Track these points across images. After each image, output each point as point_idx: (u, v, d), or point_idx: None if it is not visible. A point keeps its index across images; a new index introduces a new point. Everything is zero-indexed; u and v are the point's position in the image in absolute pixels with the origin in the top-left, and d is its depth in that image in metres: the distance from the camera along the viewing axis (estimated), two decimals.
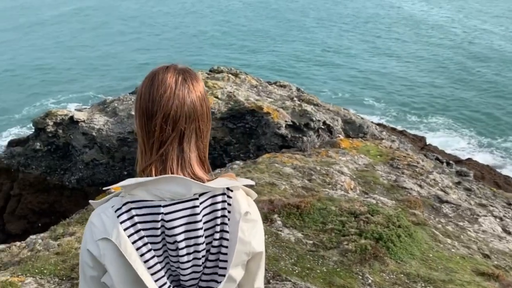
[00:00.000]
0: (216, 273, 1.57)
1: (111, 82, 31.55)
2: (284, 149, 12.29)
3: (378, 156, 9.94)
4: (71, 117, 15.56)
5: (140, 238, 1.48)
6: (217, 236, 1.55)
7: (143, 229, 1.48)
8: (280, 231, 5.89)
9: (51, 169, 15.76)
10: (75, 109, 17.39)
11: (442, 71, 32.63)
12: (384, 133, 16.10)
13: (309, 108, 14.57)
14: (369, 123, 15.35)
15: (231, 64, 23.10)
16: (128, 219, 1.48)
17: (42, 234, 5.49)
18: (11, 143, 19.19)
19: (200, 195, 1.54)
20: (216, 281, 1.57)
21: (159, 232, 1.49)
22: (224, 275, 1.54)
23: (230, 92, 15.29)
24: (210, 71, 18.71)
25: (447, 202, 9.26)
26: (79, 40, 41.86)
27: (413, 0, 56.14)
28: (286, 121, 14.16)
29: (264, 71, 30.75)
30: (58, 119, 15.60)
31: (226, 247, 1.55)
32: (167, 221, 1.48)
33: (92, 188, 15.44)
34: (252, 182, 1.68)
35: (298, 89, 18.34)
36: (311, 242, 5.80)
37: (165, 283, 1.53)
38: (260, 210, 1.76)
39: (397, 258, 5.84)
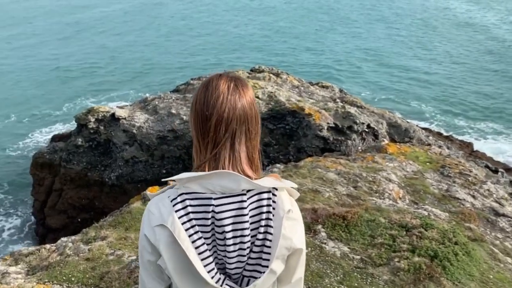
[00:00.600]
0: (259, 264, 1.66)
1: (152, 82, 31.60)
2: (326, 152, 11.69)
3: (428, 163, 9.23)
4: (113, 114, 15.46)
5: (192, 227, 1.59)
6: (261, 230, 1.64)
7: (195, 219, 1.60)
8: (325, 243, 5.35)
9: (91, 165, 15.71)
10: (117, 106, 17.31)
11: (490, 74, 31.09)
12: (430, 137, 15.26)
13: (352, 110, 13.91)
14: (416, 127, 14.55)
15: (271, 64, 22.63)
16: (182, 208, 1.60)
17: (73, 237, 5.14)
18: (54, 138, 19.39)
19: (248, 191, 1.64)
20: (259, 272, 1.66)
21: (209, 222, 1.61)
22: (267, 267, 1.64)
23: (271, 92, 14.81)
24: (251, 70, 18.30)
25: (503, 215, 8.47)
26: (124, 39, 42.32)
27: (460, 0, 54.11)
28: (328, 123, 13.56)
29: (304, 71, 30.10)
30: (100, 115, 15.53)
31: (270, 241, 1.64)
32: (217, 213, 1.60)
33: (131, 185, 15.30)
34: (295, 185, 1.77)
35: (340, 90, 17.67)
36: (358, 257, 5.24)
37: (213, 269, 1.63)
38: (303, 219, 1.81)
39: (454, 279, 5.21)
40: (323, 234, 5.45)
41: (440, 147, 14.29)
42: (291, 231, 1.67)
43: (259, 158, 1.77)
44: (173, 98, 16.05)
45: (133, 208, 5.56)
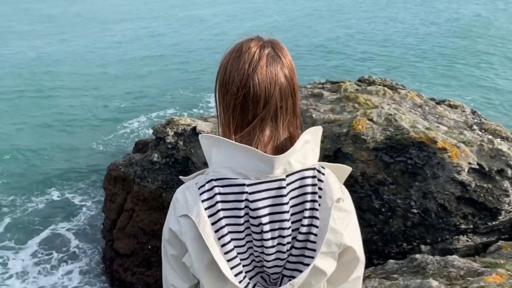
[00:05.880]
0: (301, 262, 1.31)
1: None
2: (463, 202, 7.51)
3: None
4: (194, 128, 12.36)
5: (220, 219, 1.27)
6: (305, 222, 1.29)
7: (224, 209, 1.28)
8: None
9: (167, 184, 12.73)
10: (201, 118, 14.22)
11: None
12: None
13: (504, 147, 9.48)
14: None
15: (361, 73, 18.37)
16: (210, 198, 1.28)
17: None
18: (138, 144, 16.85)
19: (289, 175, 1.30)
20: (300, 271, 1.31)
21: (242, 213, 1.28)
22: (309, 264, 1.28)
23: (390, 115, 10.72)
24: (359, 81, 14.27)
25: None
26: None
27: None
28: (469, 164, 9.29)
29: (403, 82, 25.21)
30: (180, 129, 12.52)
31: (316, 235, 1.29)
32: (252, 201, 1.27)
33: None
34: (349, 168, 1.39)
35: (473, 112, 13.10)
36: None
37: (240, 272, 1.30)
38: None
39: None
40: None
41: None
42: (342, 224, 1.30)
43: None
44: None
45: None
